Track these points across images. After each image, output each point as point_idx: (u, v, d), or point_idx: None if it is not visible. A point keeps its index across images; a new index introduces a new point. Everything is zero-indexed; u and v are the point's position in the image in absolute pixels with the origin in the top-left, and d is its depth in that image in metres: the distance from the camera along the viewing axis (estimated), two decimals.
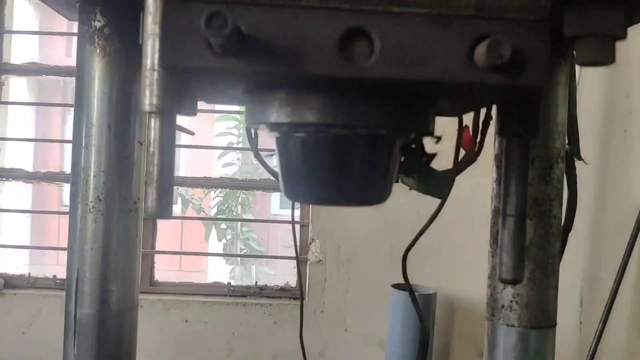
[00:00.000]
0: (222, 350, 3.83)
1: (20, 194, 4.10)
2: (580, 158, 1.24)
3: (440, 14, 0.58)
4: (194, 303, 3.84)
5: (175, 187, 4.20)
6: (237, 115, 5.66)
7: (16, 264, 4.00)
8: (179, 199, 6.52)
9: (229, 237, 6.48)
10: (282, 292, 3.96)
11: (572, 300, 3.77)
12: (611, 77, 3.56)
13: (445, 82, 0.58)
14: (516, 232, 0.74)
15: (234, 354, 3.83)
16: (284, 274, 4.09)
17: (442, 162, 1.06)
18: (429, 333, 1.15)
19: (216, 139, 6.18)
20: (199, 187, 4.17)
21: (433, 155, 0.94)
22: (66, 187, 4.19)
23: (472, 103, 0.84)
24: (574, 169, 1.24)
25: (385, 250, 3.64)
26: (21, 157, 4.07)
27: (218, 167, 6.33)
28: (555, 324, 1.05)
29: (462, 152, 1.07)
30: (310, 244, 3.86)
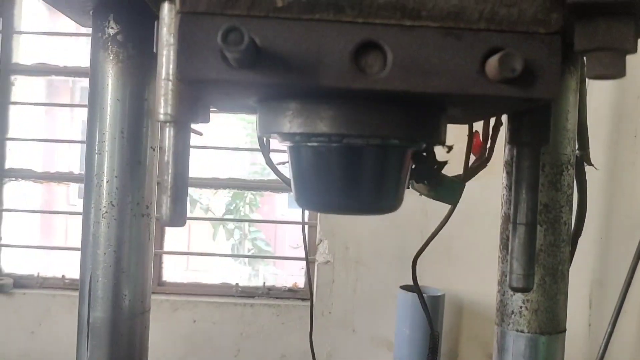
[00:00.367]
0: (230, 351, 3.84)
1: (27, 193, 4.12)
2: (590, 163, 1.24)
3: (453, 27, 0.59)
4: (202, 303, 3.85)
5: None
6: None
7: (25, 263, 4.02)
8: (188, 199, 6.53)
9: (236, 237, 6.50)
10: (290, 293, 3.97)
11: (581, 302, 3.77)
12: (621, 80, 3.55)
13: (457, 95, 0.59)
14: (527, 241, 0.74)
15: (242, 354, 3.85)
16: (291, 275, 4.10)
17: (452, 166, 1.07)
18: (439, 338, 1.15)
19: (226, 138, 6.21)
20: (207, 188, 4.17)
21: (444, 163, 0.94)
22: (73, 187, 4.22)
23: (483, 113, 0.84)
24: (584, 174, 1.25)
25: (393, 252, 3.65)
26: (30, 157, 4.09)
27: (227, 166, 6.35)
28: (565, 329, 1.05)
29: (473, 158, 1.08)
30: (318, 244, 3.87)
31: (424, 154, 0.87)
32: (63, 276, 3.91)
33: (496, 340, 1.07)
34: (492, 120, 1.01)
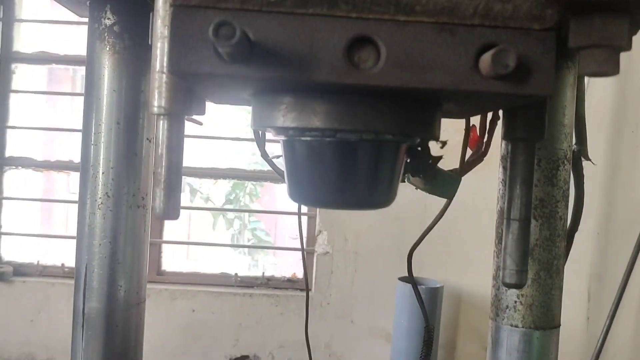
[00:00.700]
0: (228, 340, 3.85)
1: (27, 182, 4.12)
2: (588, 158, 1.24)
3: (447, 22, 0.58)
4: (201, 293, 3.86)
5: (184, 177, 4.22)
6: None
7: (25, 251, 4.03)
8: (187, 188, 6.54)
9: (236, 227, 6.50)
10: (289, 284, 3.98)
11: (580, 296, 3.78)
12: (624, 73, 3.55)
13: (450, 91, 0.59)
14: (520, 237, 0.74)
15: (240, 344, 3.86)
16: (290, 265, 4.11)
17: (450, 160, 1.06)
18: (434, 332, 1.15)
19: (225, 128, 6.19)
20: (207, 178, 4.18)
21: (439, 158, 0.94)
22: (74, 176, 4.21)
23: (478, 108, 0.84)
24: (582, 169, 1.24)
25: (392, 243, 3.65)
26: (30, 146, 4.09)
27: (227, 156, 6.34)
28: (559, 325, 1.05)
29: (470, 152, 1.08)
30: (317, 235, 3.87)
31: (419, 148, 0.87)
32: (62, 264, 3.92)
33: (490, 334, 1.07)
34: (489, 115, 1.01)
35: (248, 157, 6.56)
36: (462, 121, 1.03)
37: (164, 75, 0.68)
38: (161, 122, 0.72)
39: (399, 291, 3.43)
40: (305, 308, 1.43)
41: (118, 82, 1.00)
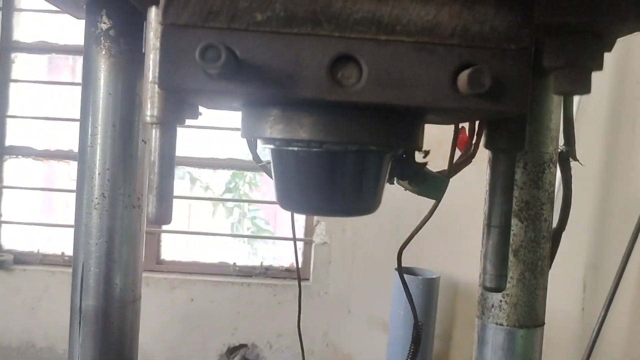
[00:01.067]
0: (227, 329, 3.89)
1: (28, 171, 4.15)
2: (575, 159, 1.26)
3: (426, 42, 0.61)
4: (200, 282, 3.89)
5: (184, 167, 4.24)
6: None
7: (25, 240, 4.06)
8: (188, 176, 6.57)
9: (236, 216, 6.52)
10: (287, 273, 4.01)
11: (575, 286, 3.81)
12: (621, 66, 3.56)
13: (429, 107, 0.61)
14: (500, 243, 0.77)
15: (239, 332, 3.90)
16: (290, 254, 4.14)
17: (438, 162, 1.08)
18: (422, 329, 1.18)
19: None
20: (206, 168, 4.20)
21: (424, 165, 0.96)
22: (74, 165, 4.22)
23: (458, 119, 0.87)
24: (570, 169, 1.26)
25: (389, 234, 3.68)
26: (30, 135, 4.11)
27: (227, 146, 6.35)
28: (544, 323, 1.08)
29: (458, 154, 1.10)
30: (315, 226, 3.90)
31: (404, 156, 0.89)
32: (62, 253, 3.95)
33: (477, 332, 1.10)
34: None
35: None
36: (451, 127, 1.05)
37: (156, 86, 0.70)
38: (154, 130, 0.74)
39: (396, 281, 3.46)
40: (298, 299, 1.46)
41: (114, 86, 1.02)
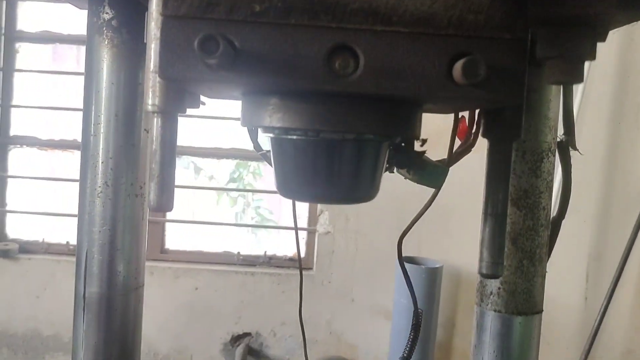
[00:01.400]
0: (230, 318, 3.91)
1: (32, 160, 4.17)
2: (575, 148, 1.26)
3: (422, 32, 0.62)
4: (204, 271, 3.91)
5: (188, 157, 4.25)
6: None
7: (31, 229, 4.08)
8: (192, 166, 6.58)
9: (240, 205, 6.53)
10: (291, 262, 4.02)
11: (578, 276, 3.82)
12: (626, 55, 3.56)
13: (425, 97, 0.62)
14: (496, 231, 0.78)
15: (243, 321, 3.92)
16: (293, 244, 4.15)
17: (438, 152, 1.09)
18: (422, 316, 1.19)
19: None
20: (210, 157, 4.21)
21: (422, 153, 0.97)
22: (78, 154, 4.23)
23: (455, 109, 0.88)
24: (569, 158, 1.27)
25: (392, 223, 3.68)
26: (34, 124, 4.12)
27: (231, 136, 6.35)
28: (542, 310, 1.09)
29: (458, 143, 1.10)
30: (319, 215, 3.91)
31: (402, 144, 0.90)
32: (67, 242, 3.97)
33: (475, 319, 1.11)
34: None
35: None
36: (451, 116, 1.06)
37: (157, 75, 0.71)
38: (155, 119, 0.75)
39: (399, 270, 3.48)
40: (300, 288, 1.47)
41: (116, 75, 1.03)
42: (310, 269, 3.96)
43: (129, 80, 1.04)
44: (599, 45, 0.60)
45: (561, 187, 1.24)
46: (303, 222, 4.01)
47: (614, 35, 1.07)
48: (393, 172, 1.04)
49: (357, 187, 0.78)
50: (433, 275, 3.49)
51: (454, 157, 1.09)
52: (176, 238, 4.16)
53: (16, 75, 4.01)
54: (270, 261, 4.03)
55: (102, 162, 1.04)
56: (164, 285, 3.84)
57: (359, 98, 0.67)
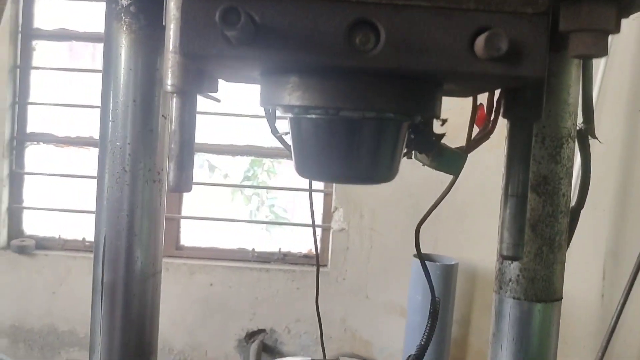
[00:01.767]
0: (245, 314, 3.92)
1: (49, 157, 4.19)
2: (594, 136, 1.25)
3: (443, 6, 0.61)
4: (219, 267, 3.92)
5: (203, 153, 4.26)
6: None
7: (47, 225, 4.11)
8: (207, 163, 6.61)
9: (254, 203, 6.55)
10: (305, 259, 4.03)
11: (595, 273, 3.79)
12: None
13: (447, 72, 0.62)
14: (517, 212, 0.77)
15: (257, 317, 3.92)
16: (307, 241, 4.15)
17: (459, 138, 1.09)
18: (440, 304, 1.19)
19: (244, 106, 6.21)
20: (225, 154, 4.22)
21: (442, 136, 0.97)
22: (94, 152, 4.27)
23: (476, 88, 0.87)
24: (589, 147, 1.26)
25: (407, 219, 3.68)
26: (51, 121, 4.15)
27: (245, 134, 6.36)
28: (561, 298, 1.08)
29: (476, 130, 1.10)
30: (333, 212, 3.91)
31: (422, 126, 0.90)
32: (83, 239, 4.00)
33: (494, 306, 1.10)
34: (497, 93, 1.03)
35: (267, 135, 6.57)
36: (470, 99, 1.06)
37: (177, 55, 0.71)
38: (174, 99, 0.76)
39: (414, 267, 3.47)
40: (316, 280, 1.47)
41: (134, 61, 1.03)
42: (325, 265, 3.96)
43: (147, 66, 1.04)
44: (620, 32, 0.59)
45: (580, 175, 1.23)
46: (318, 219, 4.01)
47: (633, 21, 1.06)
48: (411, 158, 1.04)
49: (376, 168, 0.78)
50: (449, 272, 3.48)
51: (473, 144, 1.09)
52: (191, 235, 4.17)
53: (33, 72, 4.04)
54: (284, 258, 4.03)
55: (120, 148, 1.04)
56: (179, 281, 3.86)
57: (379, 75, 0.67)
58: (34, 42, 4.03)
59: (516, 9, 0.61)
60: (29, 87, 4.02)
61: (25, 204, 4.06)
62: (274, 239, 5.07)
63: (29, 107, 4.04)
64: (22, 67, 3.98)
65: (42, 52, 4.09)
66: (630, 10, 0.61)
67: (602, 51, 0.58)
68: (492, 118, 1.06)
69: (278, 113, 0.89)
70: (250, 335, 3.93)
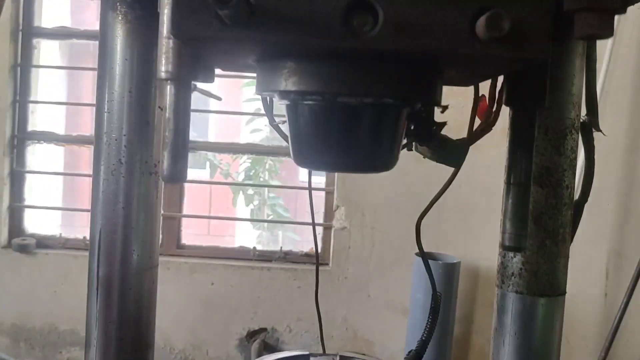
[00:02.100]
0: (246, 313, 3.90)
1: (50, 156, 4.18)
2: (599, 129, 1.23)
3: None
4: (220, 266, 3.90)
5: (204, 152, 4.24)
6: None
7: (48, 224, 4.10)
8: (207, 163, 6.59)
9: (255, 202, 6.54)
10: (307, 258, 4.01)
11: (598, 272, 3.76)
12: None
13: (447, 54, 0.60)
14: (520, 201, 0.75)
15: (258, 316, 3.91)
16: (309, 240, 4.13)
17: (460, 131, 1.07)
18: (441, 300, 1.17)
19: (244, 104, 6.21)
20: (226, 153, 4.20)
21: (443, 124, 0.95)
22: None
23: (478, 74, 0.85)
24: (592, 140, 1.24)
25: (409, 218, 3.63)
26: (53, 120, 4.14)
27: (246, 133, 6.36)
28: (565, 292, 1.06)
29: (478, 122, 1.08)
30: (335, 210, 3.89)
31: (422, 114, 0.88)
32: (84, 237, 3.98)
33: (496, 301, 1.08)
34: (499, 84, 1.01)
35: (268, 133, 6.58)
36: (471, 95, 1.04)
37: (171, 41, 0.70)
38: (169, 87, 0.74)
39: (416, 265, 3.45)
40: (316, 276, 1.45)
41: (130, 52, 1.01)
42: (327, 264, 3.94)
43: (143, 57, 1.02)
44: (623, 23, 0.58)
45: (584, 169, 1.21)
46: (319, 217, 3.99)
47: (637, 11, 1.04)
48: (411, 150, 1.02)
49: (375, 156, 0.76)
50: (451, 271, 3.46)
51: (474, 135, 1.07)
52: (192, 234, 4.15)
53: (33, 71, 4.02)
54: (286, 257, 4.01)
55: (116, 140, 1.03)
56: (180, 280, 3.84)
57: (377, 59, 0.65)
58: (35, 40, 4.01)
59: None
60: (30, 86, 4.01)
61: (26, 203, 4.05)
62: (276, 238, 5.06)
63: (30, 105, 4.02)
64: (22, 66, 3.97)
65: (43, 50, 4.07)
66: None
67: (608, 31, 0.56)
68: (494, 109, 1.05)
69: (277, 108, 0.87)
70: (252, 334, 3.92)
